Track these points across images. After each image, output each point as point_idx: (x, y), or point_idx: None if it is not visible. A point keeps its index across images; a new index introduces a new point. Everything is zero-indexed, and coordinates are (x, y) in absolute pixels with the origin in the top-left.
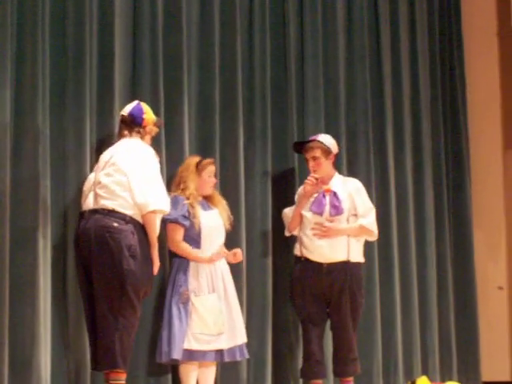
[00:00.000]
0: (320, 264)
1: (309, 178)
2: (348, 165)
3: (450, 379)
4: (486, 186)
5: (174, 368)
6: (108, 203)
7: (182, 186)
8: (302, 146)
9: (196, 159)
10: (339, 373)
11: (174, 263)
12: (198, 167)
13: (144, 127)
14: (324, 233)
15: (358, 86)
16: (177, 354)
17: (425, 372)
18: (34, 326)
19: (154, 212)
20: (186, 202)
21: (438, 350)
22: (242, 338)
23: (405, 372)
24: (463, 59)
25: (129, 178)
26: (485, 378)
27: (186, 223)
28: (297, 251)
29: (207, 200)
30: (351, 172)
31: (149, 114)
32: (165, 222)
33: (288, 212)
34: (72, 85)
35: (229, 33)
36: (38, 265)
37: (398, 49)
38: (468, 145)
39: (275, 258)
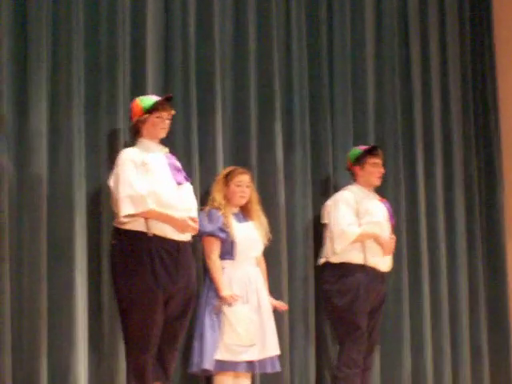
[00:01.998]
0: (382, 273)
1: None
2: None
3: None
4: None
5: (208, 379)
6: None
7: (211, 198)
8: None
9: (228, 170)
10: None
11: (208, 274)
12: (227, 177)
13: (135, 123)
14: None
15: (387, 99)
16: (208, 365)
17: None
18: (72, 336)
19: (132, 215)
20: (220, 213)
21: (470, 362)
22: (273, 350)
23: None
24: (495, 70)
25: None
26: None
27: (223, 235)
28: (357, 259)
29: (244, 213)
30: (380, 185)
31: (137, 106)
32: (201, 236)
33: (353, 231)
34: (105, 98)
35: (265, 42)
36: (75, 276)
37: (428, 61)
38: (500, 154)
39: (317, 267)
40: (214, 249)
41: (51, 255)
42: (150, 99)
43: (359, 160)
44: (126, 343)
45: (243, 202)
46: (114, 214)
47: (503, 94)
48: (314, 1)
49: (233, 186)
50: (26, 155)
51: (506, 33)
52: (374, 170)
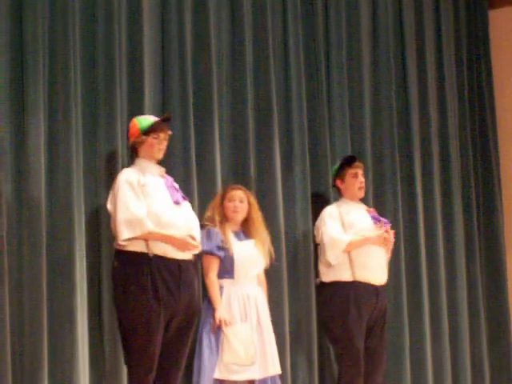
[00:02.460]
0: (375, 287)
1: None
2: (374, 190)
3: None
4: None
5: None
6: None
7: (207, 217)
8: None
9: (224, 187)
10: None
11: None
12: (222, 195)
13: (132, 144)
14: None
15: (383, 109)
16: None
17: None
18: (73, 357)
19: (129, 239)
20: (217, 230)
21: (471, 377)
22: (274, 368)
23: None
24: (492, 80)
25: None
26: None
27: (221, 254)
28: (347, 276)
29: (246, 231)
30: (378, 198)
31: (134, 127)
32: (200, 254)
33: (343, 238)
34: (103, 118)
35: (262, 58)
36: (75, 296)
37: (425, 72)
38: (498, 166)
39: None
40: (212, 267)
41: (51, 276)
42: (147, 120)
43: (339, 173)
44: (128, 364)
45: (237, 217)
46: (113, 235)
47: (500, 103)
48: (310, 13)
49: (226, 202)
50: (24, 176)
51: (503, 41)
52: (354, 180)
